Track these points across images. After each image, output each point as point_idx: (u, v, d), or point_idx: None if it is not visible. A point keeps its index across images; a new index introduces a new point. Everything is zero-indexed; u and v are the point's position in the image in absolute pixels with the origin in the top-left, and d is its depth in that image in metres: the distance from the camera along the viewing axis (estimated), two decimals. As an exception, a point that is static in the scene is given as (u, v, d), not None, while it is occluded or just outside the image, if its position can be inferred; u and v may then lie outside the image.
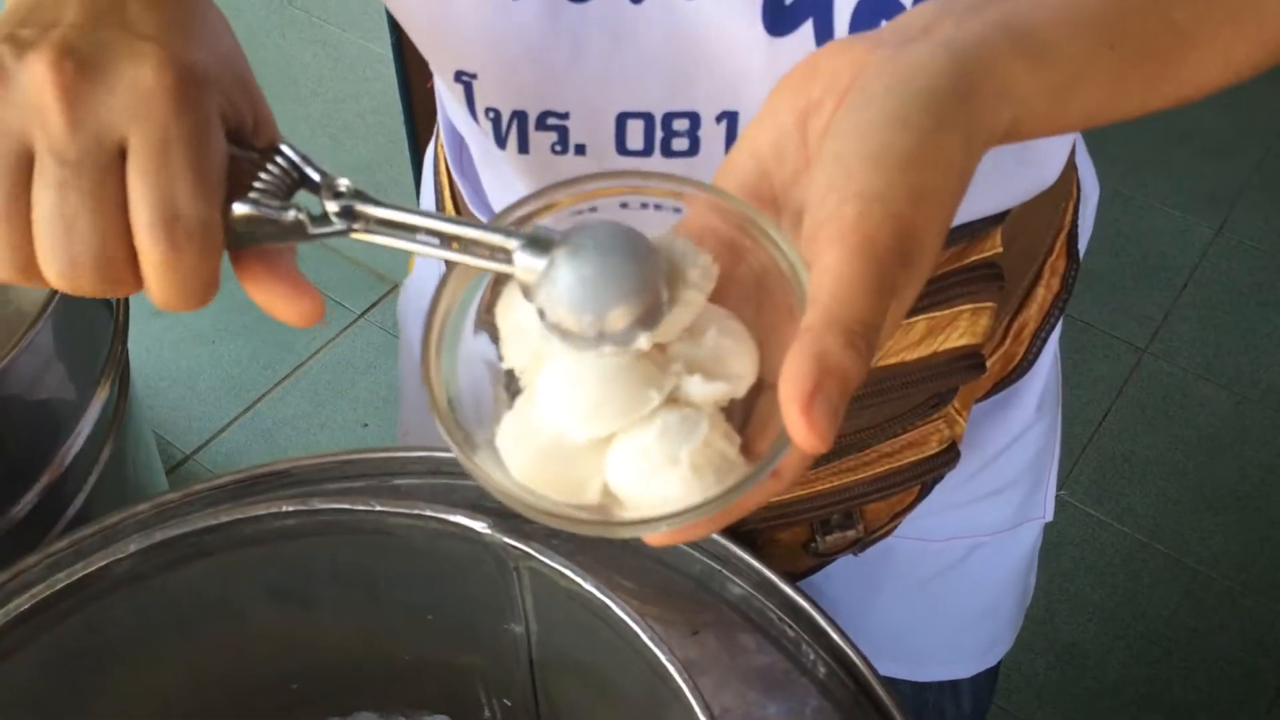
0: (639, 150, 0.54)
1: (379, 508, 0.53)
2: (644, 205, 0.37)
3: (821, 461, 0.67)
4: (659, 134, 0.53)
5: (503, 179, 0.63)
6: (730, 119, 0.53)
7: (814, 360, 0.32)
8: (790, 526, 0.71)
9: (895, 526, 0.73)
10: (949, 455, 0.68)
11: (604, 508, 0.37)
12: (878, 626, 0.82)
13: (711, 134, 0.53)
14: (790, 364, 0.32)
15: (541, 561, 0.52)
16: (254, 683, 0.64)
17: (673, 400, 0.36)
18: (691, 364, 0.37)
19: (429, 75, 0.58)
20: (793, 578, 0.77)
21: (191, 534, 0.52)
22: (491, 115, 0.54)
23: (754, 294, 0.37)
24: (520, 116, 0.53)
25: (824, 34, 0.48)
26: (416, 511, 0.53)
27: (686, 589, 0.65)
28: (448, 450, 0.66)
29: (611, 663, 0.54)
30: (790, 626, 0.63)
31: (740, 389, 0.37)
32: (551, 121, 0.53)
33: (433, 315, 0.37)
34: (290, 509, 0.53)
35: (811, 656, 0.62)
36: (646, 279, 0.35)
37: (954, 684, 0.88)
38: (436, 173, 0.77)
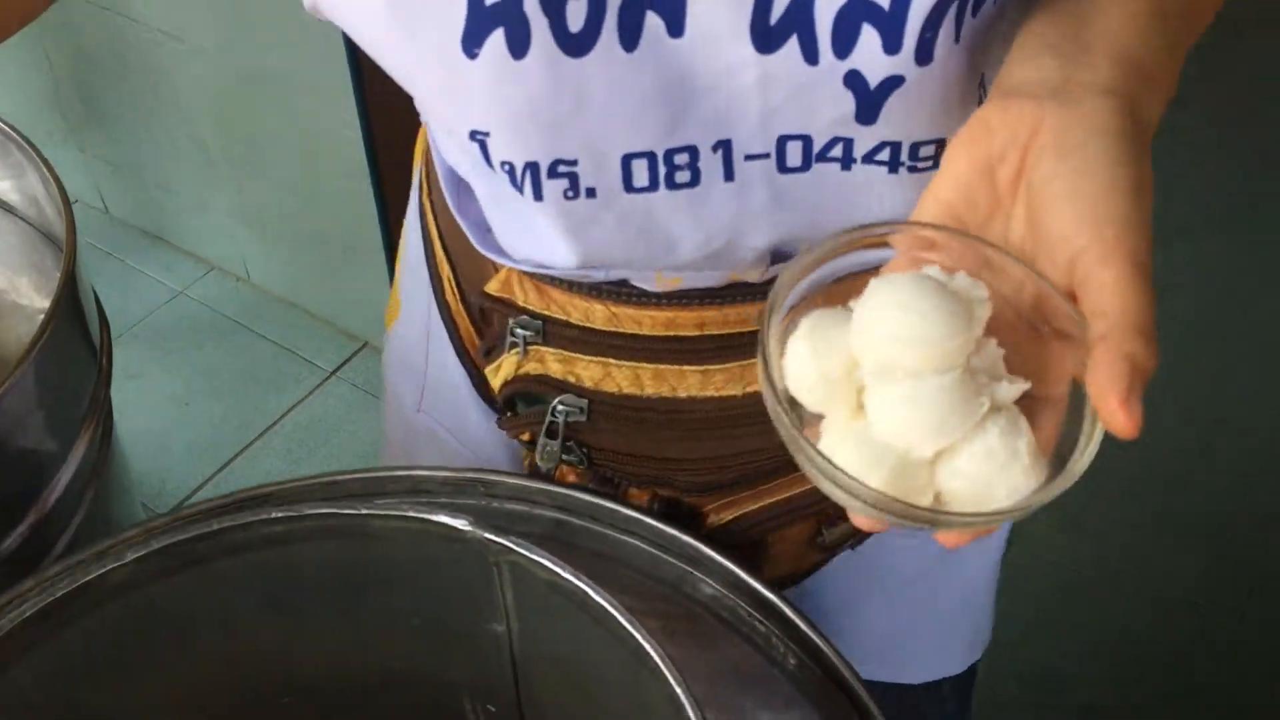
0: (645, 187, 0.57)
1: (364, 510, 0.56)
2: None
3: None
4: (662, 169, 0.56)
5: (518, 217, 0.65)
6: (725, 146, 0.56)
7: (1126, 361, 0.39)
8: (799, 521, 0.75)
9: None
10: None
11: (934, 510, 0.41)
12: (868, 635, 0.85)
13: (710, 163, 0.56)
14: (1103, 366, 0.39)
15: (521, 554, 0.55)
16: (245, 698, 0.65)
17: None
18: (988, 371, 0.42)
19: (397, 139, 0.61)
20: (796, 579, 0.81)
21: (185, 541, 0.54)
22: (506, 168, 0.57)
23: None
24: (533, 167, 0.56)
25: (809, 46, 0.51)
26: (399, 513, 0.56)
27: (660, 592, 0.68)
28: (427, 468, 0.69)
29: (592, 654, 0.56)
30: (761, 622, 0.65)
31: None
32: (562, 169, 0.56)
33: (771, 314, 0.42)
34: (279, 514, 0.55)
35: (782, 650, 0.65)
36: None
37: (937, 684, 0.91)
38: (424, 226, 0.79)
